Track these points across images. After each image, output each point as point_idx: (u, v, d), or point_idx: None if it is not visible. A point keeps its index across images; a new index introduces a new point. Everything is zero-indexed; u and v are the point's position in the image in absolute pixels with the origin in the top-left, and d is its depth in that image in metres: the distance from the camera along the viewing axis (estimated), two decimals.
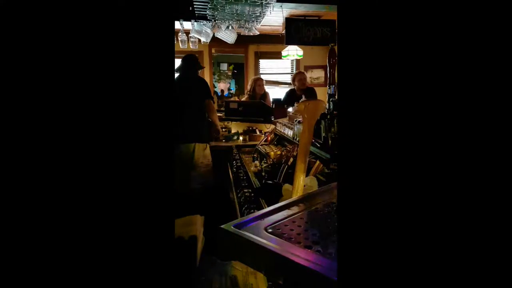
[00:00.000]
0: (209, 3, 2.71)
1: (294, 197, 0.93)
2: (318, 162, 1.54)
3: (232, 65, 5.97)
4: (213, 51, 5.20)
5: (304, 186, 1.11)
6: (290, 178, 1.31)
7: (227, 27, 3.35)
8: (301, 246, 0.53)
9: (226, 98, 5.23)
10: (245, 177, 1.90)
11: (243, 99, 4.09)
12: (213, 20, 3.15)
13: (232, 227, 0.59)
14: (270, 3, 2.62)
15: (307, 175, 1.27)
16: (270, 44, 5.04)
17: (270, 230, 0.59)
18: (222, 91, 5.53)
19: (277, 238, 0.56)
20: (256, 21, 3.07)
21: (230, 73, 5.94)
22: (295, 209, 0.70)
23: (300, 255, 0.49)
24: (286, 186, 1.28)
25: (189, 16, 3.32)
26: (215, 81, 5.55)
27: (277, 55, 4.92)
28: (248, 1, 2.56)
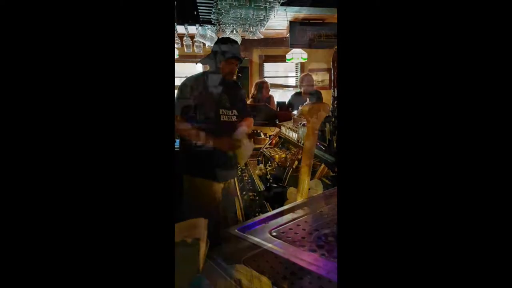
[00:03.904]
0: (214, 7, 2.72)
1: (299, 201, 0.93)
2: (323, 165, 1.53)
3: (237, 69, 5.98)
4: None
5: (309, 189, 1.10)
6: (295, 181, 1.30)
7: (232, 31, 3.37)
8: (306, 250, 0.53)
9: None
10: (249, 181, 1.89)
11: (248, 102, 4.10)
12: (217, 25, 3.16)
13: (236, 230, 0.59)
14: (274, 7, 2.63)
15: (312, 178, 1.26)
16: (274, 48, 5.05)
17: (274, 234, 0.59)
18: None
19: (282, 242, 0.56)
20: (260, 25, 3.07)
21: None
22: (299, 213, 0.70)
23: (305, 259, 0.49)
24: (291, 189, 1.28)
25: (194, 20, 3.34)
26: None
27: (282, 58, 4.93)
28: (252, 5, 2.56)
